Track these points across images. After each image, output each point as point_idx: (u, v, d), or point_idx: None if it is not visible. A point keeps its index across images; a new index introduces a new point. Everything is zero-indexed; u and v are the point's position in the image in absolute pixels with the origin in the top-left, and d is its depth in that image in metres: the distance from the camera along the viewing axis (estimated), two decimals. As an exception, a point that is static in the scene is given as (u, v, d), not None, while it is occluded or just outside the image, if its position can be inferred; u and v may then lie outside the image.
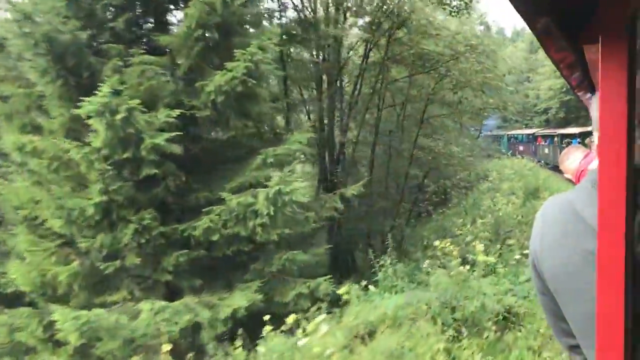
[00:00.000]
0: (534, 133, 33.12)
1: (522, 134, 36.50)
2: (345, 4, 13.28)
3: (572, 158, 2.92)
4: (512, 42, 59.07)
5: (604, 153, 0.72)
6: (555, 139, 24.50)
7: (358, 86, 14.46)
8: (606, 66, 0.71)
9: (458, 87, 15.07)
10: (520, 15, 0.70)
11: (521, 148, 34.93)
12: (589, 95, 1.01)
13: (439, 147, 16.60)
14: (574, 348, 0.95)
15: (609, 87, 0.71)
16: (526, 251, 4.66)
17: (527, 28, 0.75)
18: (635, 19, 0.69)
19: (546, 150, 27.35)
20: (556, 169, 21.12)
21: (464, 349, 3.64)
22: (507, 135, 42.05)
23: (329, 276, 7.28)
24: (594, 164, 0.88)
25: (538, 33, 0.73)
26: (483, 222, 10.87)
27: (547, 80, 38.32)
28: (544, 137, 29.36)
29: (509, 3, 0.66)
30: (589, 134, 16.56)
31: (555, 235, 0.91)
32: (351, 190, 9.36)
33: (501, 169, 24.38)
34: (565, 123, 32.92)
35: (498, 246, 7.39)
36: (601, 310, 0.73)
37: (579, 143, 18.06)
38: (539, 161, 27.76)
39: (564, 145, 21.39)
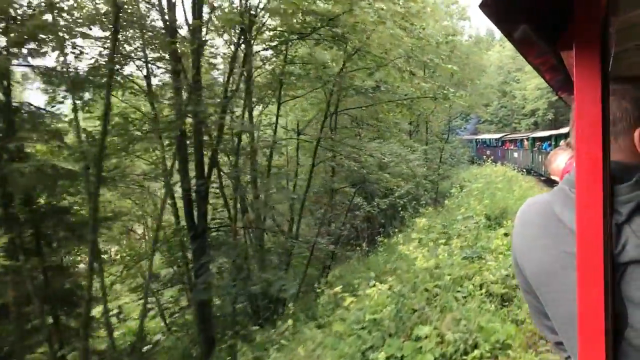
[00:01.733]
0: (501, 137, 33.15)
1: (491, 138, 35.76)
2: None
3: (559, 160, 2.95)
4: (501, 42, 59.20)
5: (581, 157, 0.74)
6: (526, 142, 24.74)
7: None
8: (580, 72, 0.73)
9: (376, 64, 10.95)
10: (497, 24, 0.71)
11: (488, 152, 34.54)
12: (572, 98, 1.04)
13: (368, 158, 12.93)
14: (559, 345, 0.97)
15: (584, 92, 0.73)
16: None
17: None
18: (608, 26, 0.71)
19: (515, 155, 27.44)
20: (529, 173, 21.51)
21: None
22: (476, 139, 39.81)
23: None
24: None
25: (516, 40, 0.75)
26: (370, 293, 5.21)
27: (534, 78, 33.52)
28: (513, 141, 29.51)
29: (484, 14, 0.67)
30: (563, 136, 16.85)
31: (534, 236, 0.93)
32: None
33: (471, 178, 20.82)
34: (556, 125, 30.96)
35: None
36: (582, 310, 0.74)
37: (550, 146, 18.42)
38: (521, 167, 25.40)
39: (535, 149, 21.86)
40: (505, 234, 7.53)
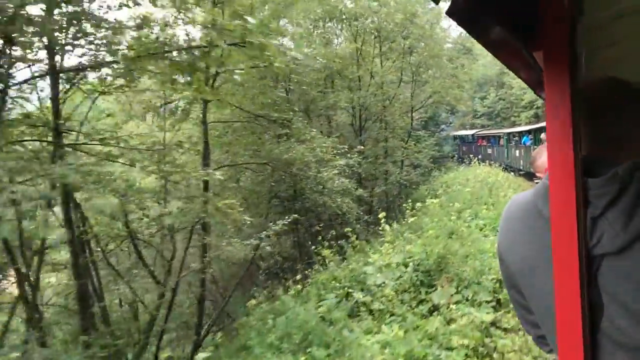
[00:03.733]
0: (474, 133, 32.96)
1: (467, 134, 35.06)
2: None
3: (543, 157, 3.00)
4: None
5: (554, 154, 0.76)
6: (501, 139, 24.95)
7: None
8: (550, 72, 0.75)
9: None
10: (470, 29, 0.72)
11: (464, 149, 34.53)
12: None
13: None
14: (541, 339, 1.00)
15: (554, 91, 0.75)
16: None
17: None
18: (575, 28, 0.73)
19: (489, 151, 27.41)
20: (505, 170, 21.76)
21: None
22: (454, 135, 38.07)
23: None
24: None
25: (491, 43, 0.76)
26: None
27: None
28: (486, 137, 29.41)
29: (453, 20, 0.68)
30: (541, 130, 17.05)
31: (517, 232, 0.95)
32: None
33: (452, 182, 17.69)
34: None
35: None
36: (559, 302, 0.76)
37: (530, 140, 18.65)
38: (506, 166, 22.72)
39: (512, 144, 22.20)
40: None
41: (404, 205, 11.94)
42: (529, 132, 19.38)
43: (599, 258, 0.79)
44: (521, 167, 19.48)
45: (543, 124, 18.13)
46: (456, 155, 35.06)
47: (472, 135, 33.24)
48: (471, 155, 27.26)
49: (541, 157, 3.06)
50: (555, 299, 0.77)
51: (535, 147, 15.71)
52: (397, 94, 19.87)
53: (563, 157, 0.74)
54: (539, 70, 0.91)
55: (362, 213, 14.27)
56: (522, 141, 19.74)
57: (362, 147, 16.08)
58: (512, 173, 19.54)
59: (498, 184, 14.71)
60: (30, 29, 4.51)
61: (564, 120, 0.74)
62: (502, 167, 21.40)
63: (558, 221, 0.76)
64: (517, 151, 20.59)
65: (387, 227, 8.59)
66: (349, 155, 13.29)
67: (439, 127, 31.48)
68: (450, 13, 0.64)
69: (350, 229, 9.41)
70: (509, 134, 23.76)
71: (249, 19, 4.94)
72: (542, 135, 14.13)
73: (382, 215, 9.11)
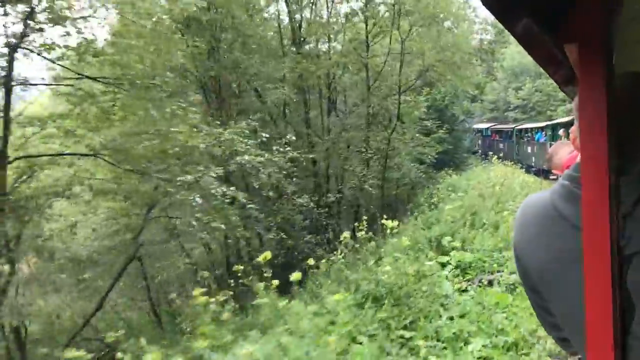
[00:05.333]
0: (488, 127, 32.43)
1: (484, 128, 33.88)
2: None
3: (560, 154, 2.99)
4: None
5: (587, 153, 0.73)
6: (513, 134, 24.71)
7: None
8: (584, 65, 0.72)
9: None
10: (499, 18, 0.70)
11: (479, 142, 34.34)
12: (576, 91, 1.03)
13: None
14: (564, 341, 0.98)
15: (588, 86, 0.72)
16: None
17: None
18: (612, 16, 0.70)
19: (500, 146, 27.23)
20: (514, 164, 21.55)
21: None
22: (473, 128, 36.03)
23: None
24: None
25: (519, 34, 0.74)
26: None
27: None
28: (499, 132, 29.10)
29: (487, 9, 0.66)
30: (554, 127, 16.86)
31: (534, 233, 0.93)
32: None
33: (460, 186, 14.58)
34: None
35: None
36: (590, 306, 0.74)
37: (544, 137, 18.39)
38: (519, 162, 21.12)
39: (524, 140, 22.00)
40: None
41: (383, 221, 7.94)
42: (541, 128, 19.18)
43: (629, 257, 0.77)
44: (532, 164, 19.34)
45: (556, 121, 17.96)
46: (480, 151, 33.42)
47: (488, 129, 32.51)
48: (490, 152, 26.12)
49: (557, 153, 3.03)
50: (586, 303, 0.74)
51: (552, 143, 15.57)
52: (384, 69, 15.64)
53: (597, 154, 0.72)
54: (567, 65, 0.88)
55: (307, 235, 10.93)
56: (536, 138, 19.52)
57: (292, 138, 11.72)
58: (522, 170, 19.31)
59: (508, 193, 11.42)
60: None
61: (598, 117, 0.71)
62: (520, 166, 19.85)
63: (590, 220, 0.73)
64: (529, 147, 20.40)
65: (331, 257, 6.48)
66: (278, 148, 10.16)
67: (457, 118, 26.36)
68: (484, 2, 0.61)
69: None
70: (519, 129, 23.65)
71: None
72: (561, 132, 13.85)
73: (345, 236, 6.52)
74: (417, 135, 17.88)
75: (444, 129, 20.96)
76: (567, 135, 11.99)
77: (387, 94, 16.22)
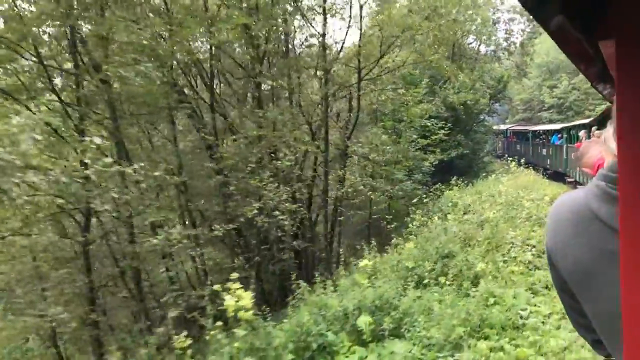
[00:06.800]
0: (507, 128, 31.93)
1: (504, 129, 32.54)
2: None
3: (590, 153, 3.01)
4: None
5: (625, 154, 0.71)
6: (529, 136, 24.55)
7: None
8: (622, 62, 0.70)
9: None
10: (533, 14, 0.69)
11: (500, 144, 33.76)
12: (608, 89, 1.01)
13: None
14: (597, 343, 0.96)
15: (626, 84, 0.70)
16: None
17: None
18: None
19: (517, 147, 26.94)
20: (528, 166, 21.21)
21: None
22: (494, 129, 32.69)
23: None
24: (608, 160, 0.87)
25: (552, 31, 0.72)
26: None
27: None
28: (516, 133, 28.79)
29: (520, 3, 0.65)
30: (569, 129, 16.60)
31: (568, 234, 0.91)
32: None
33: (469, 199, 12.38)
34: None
35: None
36: (626, 312, 0.72)
37: (560, 139, 18.16)
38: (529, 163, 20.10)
39: (541, 142, 21.75)
40: None
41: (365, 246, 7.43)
42: (557, 131, 18.97)
43: None
44: (548, 167, 19.14)
45: (573, 123, 17.69)
46: (506, 154, 31.70)
47: (507, 130, 31.51)
48: (506, 155, 23.31)
49: (587, 152, 3.03)
50: (622, 308, 0.72)
51: (569, 146, 15.39)
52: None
53: (635, 154, 0.70)
54: (601, 62, 0.86)
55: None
56: (551, 140, 19.29)
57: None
58: (536, 172, 19.03)
59: (510, 220, 8.44)
60: None
61: (637, 116, 0.69)
62: (542, 173, 18.53)
63: (627, 222, 0.71)
64: (544, 150, 20.19)
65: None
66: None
67: (476, 117, 23.23)
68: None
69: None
70: (535, 131, 23.46)
71: None
72: (582, 133, 13.59)
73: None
74: (415, 137, 15.38)
75: (457, 130, 18.68)
76: (588, 136, 11.83)
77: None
